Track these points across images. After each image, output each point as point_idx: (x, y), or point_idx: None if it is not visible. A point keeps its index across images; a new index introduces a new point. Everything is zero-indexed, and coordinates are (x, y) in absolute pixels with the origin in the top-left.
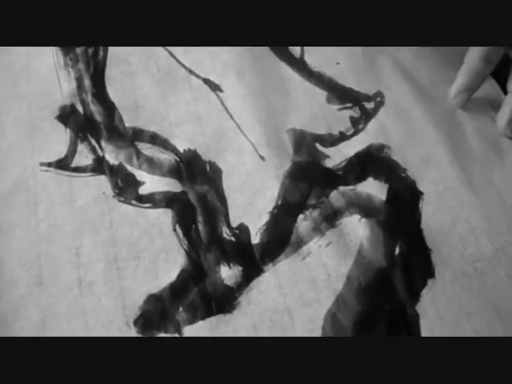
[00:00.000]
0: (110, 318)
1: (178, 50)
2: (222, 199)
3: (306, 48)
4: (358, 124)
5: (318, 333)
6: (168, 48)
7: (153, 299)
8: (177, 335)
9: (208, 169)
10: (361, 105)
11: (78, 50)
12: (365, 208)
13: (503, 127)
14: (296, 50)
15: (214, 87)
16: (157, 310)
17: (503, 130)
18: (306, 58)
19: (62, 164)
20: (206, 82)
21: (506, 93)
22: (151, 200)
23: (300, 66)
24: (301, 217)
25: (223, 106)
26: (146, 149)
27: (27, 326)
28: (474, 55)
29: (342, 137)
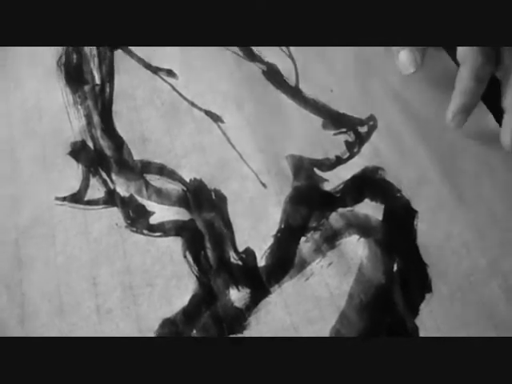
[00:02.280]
0: None
1: (179, 84)
2: (228, 225)
3: (300, 77)
4: (352, 148)
5: None
6: (170, 81)
7: (167, 323)
8: None
9: (213, 196)
10: (355, 129)
11: (86, 88)
12: (363, 228)
13: (509, 145)
14: (291, 79)
15: (216, 118)
16: (171, 334)
17: (509, 148)
18: (301, 86)
19: (76, 198)
20: (208, 113)
21: (496, 112)
22: (161, 229)
23: (296, 93)
24: (303, 239)
25: (225, 136)
26: (155, 180)
27: None
28: (464, 76)
29: (339, 161)
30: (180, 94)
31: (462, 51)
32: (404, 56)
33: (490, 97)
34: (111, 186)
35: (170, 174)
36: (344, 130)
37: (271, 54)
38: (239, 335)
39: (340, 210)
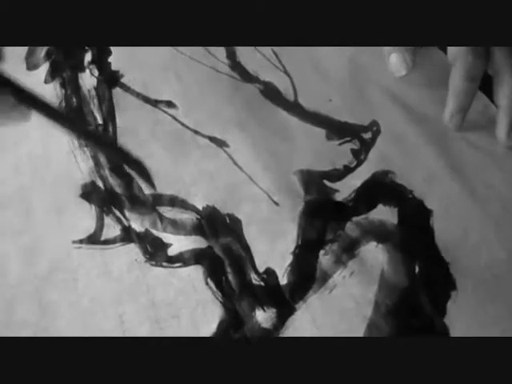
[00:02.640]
0: None
1: (179, 114)
2: (246, 248)
3: (298, 91)
4: (359, 155)
5: None
6: (170, 112)
7: None
8: None
9: (228, 221)
10: (359, 136)
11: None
12: (380, 234)
13: (504, 140)
14: (290, 94)
15: (220, 143)
16: None
17: (506, 143)
18: (300, 100)
19: (93, 239)
20: (212, 139)
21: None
22: (181, 259)
23: (296, 108)
24: (322, 252)
25: (231, 160)
26: (168, 212)
27: None
28: (456, 77)
29: (347, 170)
30: (182, 124)
31: (452, 52)
32: (394, 58)
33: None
34: (126, 223)
35: (182, 204)
36: (348, 138)
37: (267, 73)
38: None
39: (355, 218)
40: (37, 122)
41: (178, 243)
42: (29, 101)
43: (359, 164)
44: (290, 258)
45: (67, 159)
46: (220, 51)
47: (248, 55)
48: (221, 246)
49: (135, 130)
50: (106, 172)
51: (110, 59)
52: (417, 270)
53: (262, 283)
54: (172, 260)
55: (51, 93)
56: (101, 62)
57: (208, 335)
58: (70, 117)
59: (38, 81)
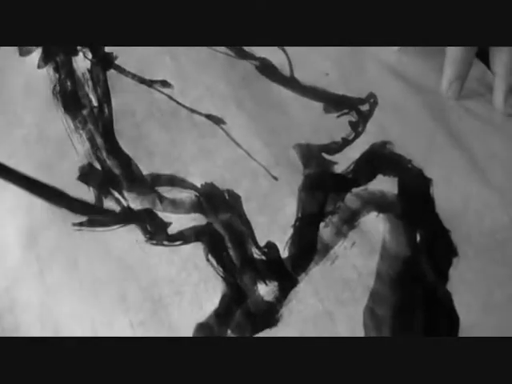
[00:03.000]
0: None
1: (175, 92)
2: (246, 223)
3: (294, 66)
4: (357, 127)
5: (360, 329)
6: (166, 91)
7: (201, 327)
8: None
9: (227, 197)
10: (356, 108)
11: (85, 112)
12: (380, 204)
13: (501, 108)
14: (286, 70)
15: (217, 121)
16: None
17: (503, 111)
18: (297, 75)
19: (93, 221)
20: (209, 117)
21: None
22: (181, 237)
23: (292, 83)
24: (322, 224)
25: (229, 136)
26: (167, 191)
27: None
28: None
29: (345, 142)
30: (178, 103)
31: None
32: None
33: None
34: (125, 204)
35: (181, 183)
36: (346, 111)
37: (262, 49)
38: (274, 328)
39: (354, 190)
40: (29, 107)
41: (178, 222)
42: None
43: (357, 136)
44: (290, 232)
45: (63, 143)
46: None
47: None
48: (221, 222)
49: (131, 110)
50: (104, 154)
51: None
52: (418, 238)
53: (264, 257)
54: (172, 238)
55: (45, 78)
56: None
57: (211, 311)
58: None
59: (32, 66)
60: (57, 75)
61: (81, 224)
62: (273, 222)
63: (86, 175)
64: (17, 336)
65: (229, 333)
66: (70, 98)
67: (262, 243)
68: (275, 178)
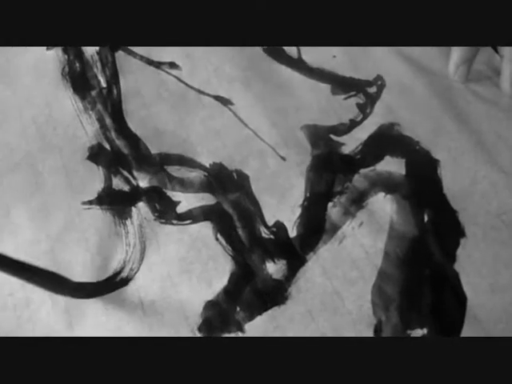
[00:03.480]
0: (176, 329)
1: (183, 74)
2: (255, 202)
3: (301, 48)
4: (365, 109)
5: (368, 307)
6: (174, 73)
7: (211, 305)
8: (240, 333)
9: (236, 177)
10: (364, 90)
11: (94, 93)
12: (387, 185)
13: (508, 91)
14: (293, 51)
15: (225, 102)
16: (217, 314)
17: (510, 93)
18: (304, 57)
19: (102, 199)
20: (217, 98)
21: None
22: (190, 216)
23: (300, 65)
24: (330, 204)
25: (237, 117)
26: (176, 171)
27: None
28: None
29: (353, 124)
30: (186, 84)
31: None
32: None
33: None
34: (134, 183)
35: (190, 163)
36: (353, 93)
37: None
38: (282, 306)
39: (362, 170)
40: (39, 88)
41: (187, 201)
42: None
43: (365, 117)
44: (298, 211)
45: (73, 123)
46: None
47: None
48: (229, 201)
49: (139, 92)
50: (113, 134)
51: None
52: (426, 219)
53: (272, 236)
54: (181, 217)
55: (54, 59)
56: None
57: (220, 289)
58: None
59: (41, 48)
60: (66, 57)
61: (90, 202)
62: (281, 202)
63: (96, 155)
64: (27, 313)
65: (238, 310)
66: (78, 80)
67: (270, 223)
68: (283, 158)
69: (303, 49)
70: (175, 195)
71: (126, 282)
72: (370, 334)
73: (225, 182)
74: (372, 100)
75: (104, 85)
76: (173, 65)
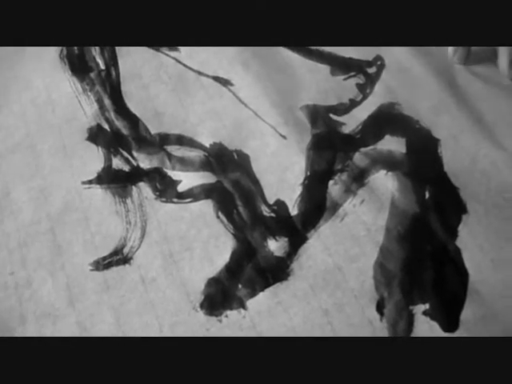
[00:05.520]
0: (178, 306)
1: (182, 56)
2: (255, 181)
3: None
4: (364, 89)
5: (370, 282)
6: (173, 55)
7: (213, 282)
8: (242, 310)
9: (236, 157)
10: (364, 71)
11: (92, 75)
12: (388, 163)
13: (506, 72)
14: None
15: (224, 82)
16: (218, 291)
17: (508, 75)
18: None
19: (102, 179)
20: (216, 79)
21: None
22: (191, 195)
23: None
24: (331, 182)
25: (236, 97)
26: (176, 150)
27: (104, 328)
28: None
29: (353, 103)
30: (185, 66)
31: None
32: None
33: None
34: (134, 163)
35: (190, 142)
36: (353, 73)
37: None
38: (284, 282)
39: (363, 149)
40: (38, 71)
41: (187, 180)
42: None
43: (365, 97)
44: (299, 189)
45: (72, 104)
46: None
47: None
48: (230, 180)
49: (138, 73)
50: (112, 114)
51: None
52: (427, 196)
53: (273, 214)
54: (182, 196)
55: None
56: None
57: (222, 266)
58: None
59: None
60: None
61: (90, 182)
62: (282, 181)
63: (95, 136)
64: (29, 292)
65: (240, 287)
66: (76, 62)
67: (271, 201)
68: (283, 137)
69: None
70: (175, 174)
71: (126, 259)
72: (372, 309)
73: (225, 161)
74: (372, 80)
75: (102, 67)
76: (172, 47)
